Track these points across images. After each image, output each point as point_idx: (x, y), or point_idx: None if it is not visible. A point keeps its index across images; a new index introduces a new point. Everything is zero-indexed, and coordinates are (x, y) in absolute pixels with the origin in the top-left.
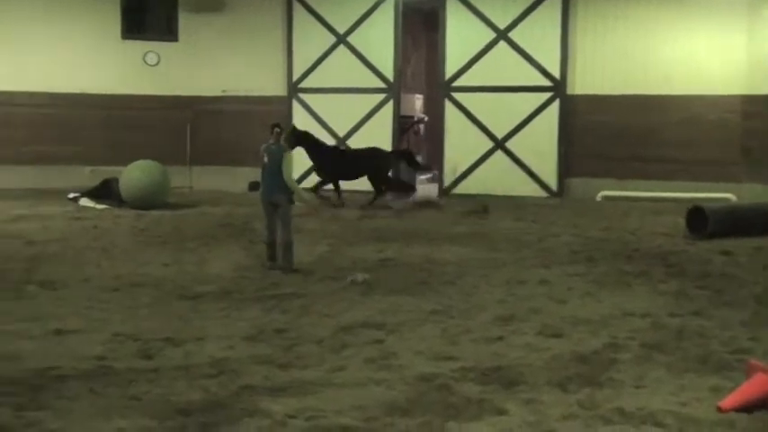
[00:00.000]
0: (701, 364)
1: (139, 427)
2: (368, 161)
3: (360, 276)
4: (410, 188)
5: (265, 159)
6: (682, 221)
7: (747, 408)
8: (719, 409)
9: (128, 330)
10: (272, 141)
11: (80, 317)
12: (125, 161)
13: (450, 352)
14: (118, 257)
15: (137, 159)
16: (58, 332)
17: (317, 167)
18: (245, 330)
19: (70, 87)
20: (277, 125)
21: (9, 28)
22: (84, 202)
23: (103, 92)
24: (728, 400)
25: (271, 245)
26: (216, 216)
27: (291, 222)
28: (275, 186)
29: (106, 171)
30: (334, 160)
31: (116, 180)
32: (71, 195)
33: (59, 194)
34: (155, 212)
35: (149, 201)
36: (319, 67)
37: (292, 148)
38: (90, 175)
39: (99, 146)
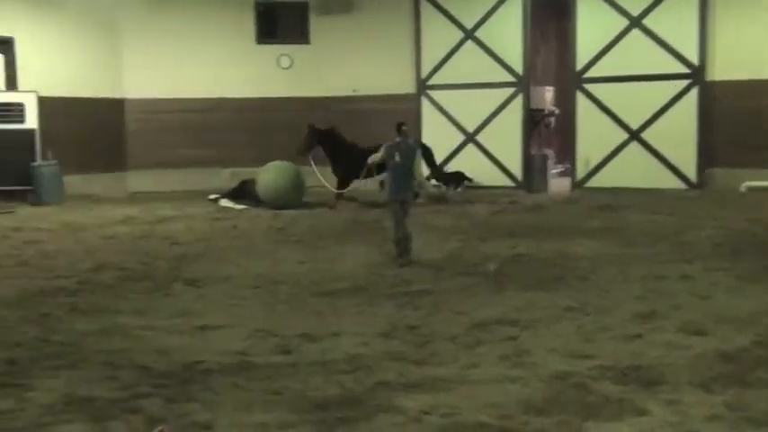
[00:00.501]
0: None
1: (281, 421)
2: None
3: (491, 266)
4: (462, 178)
5: (397, 158)
6: None
7: None
8: None
9: (267, 326)
10: (399, 139)
11: (222, 313)
12: (262, 162)
13: (587, 350)
14: (256, 256)
15: (273, 160)
16: (203, 328)
17: (338, 166)
18: (379, 327)
19: (210, 93)
20: (403, 123)
21: (158, 42)
22: (224, 202)
23: (241, 96)
24: None
25: (399, 242)
26: (349, 214)
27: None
28: (407, 185)
29: (244, 173)
30: (352, 157)
31: (253, 181)
32: (212, 197)
33: (202, 196)
34: (290, 212)
35: (285, 200)
36: (447, 64)
37: (311, 148)
38: (229, 177)
39: (237, 148)
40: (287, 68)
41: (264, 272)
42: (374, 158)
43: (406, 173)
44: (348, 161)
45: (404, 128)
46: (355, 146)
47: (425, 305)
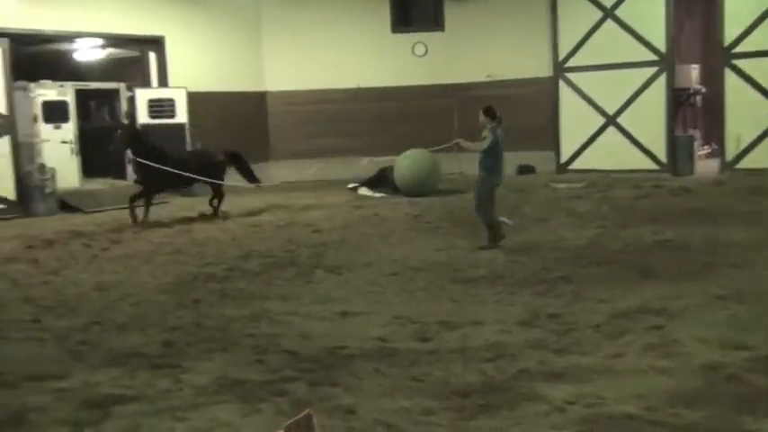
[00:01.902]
0: None
1: (422, 407)
2: (198, 165)
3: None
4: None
5: (501, 144)
6: None
7: None
8: None
9: (406, 313)
10: (494, 124)
11: (363, 299)
12: (398, 151)
13: (741, 340)
14: (395, 243)
15: (409, 148)
16: (344, 314)
17: (147, 175)
18: (520, 315)
19: (347, 83)
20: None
21: (297, 35)
22: (363, 191)
23: (377, 85)
24: None
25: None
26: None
27: None
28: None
29: (381, 161)
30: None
31: (391, 169)
32: (351, 185)
33: (341, 185)
34: (427, 199)
35: (421, 188)
36: (586, 45)
37: (124, 149)
38: (367, 166)
39: (374, 137)
40: (422, 56)
41: (403, 259)
42: (476, 146)
43: (503, 158)
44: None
45: (498, 114)
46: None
47: (565, 293)
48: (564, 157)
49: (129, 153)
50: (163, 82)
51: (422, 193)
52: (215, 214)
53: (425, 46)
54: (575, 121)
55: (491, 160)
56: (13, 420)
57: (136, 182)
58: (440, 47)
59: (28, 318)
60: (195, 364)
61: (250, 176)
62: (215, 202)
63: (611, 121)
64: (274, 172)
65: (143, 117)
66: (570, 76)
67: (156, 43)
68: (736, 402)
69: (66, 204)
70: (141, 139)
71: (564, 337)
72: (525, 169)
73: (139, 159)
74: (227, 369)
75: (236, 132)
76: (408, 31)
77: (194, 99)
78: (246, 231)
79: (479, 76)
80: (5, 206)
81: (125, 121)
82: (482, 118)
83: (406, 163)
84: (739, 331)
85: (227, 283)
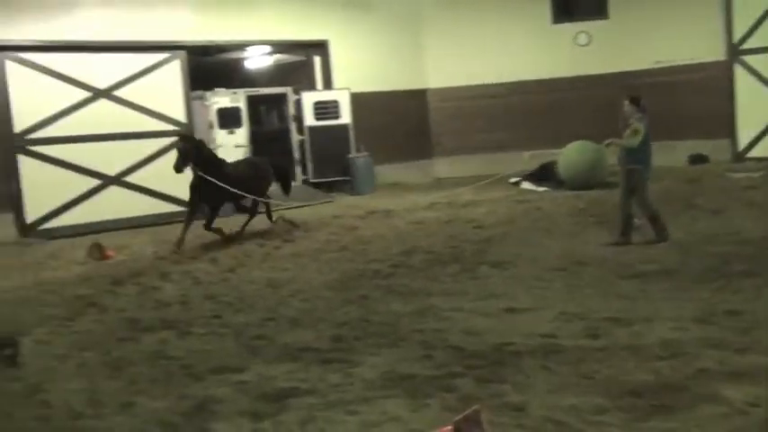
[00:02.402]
0: None
1: (592, 405)
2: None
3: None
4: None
5: (649, 134)
6: None
7: None
8: None
9: (574, 309)
10: (642, 114)
11: (528, 295)
12: (561, 143)
13: None
14: (560, 237)
15: (571, 141)
16: (510, 310)
17: (212, 191)
18: (695, 312)
19: (509, 77)
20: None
21: (457, 31)
22: (526, 185)
23: (538, 77)
24: None
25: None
26: (655, 192)
27: None
28: None
29: (544, 155)
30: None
31: (554, 163)
32: (513, 179)
33: (503, 179)
34: (592, 192)
35: (587, 180)
36: (763, 25)
37: (184, 166)
38: (528, 160)
39: (536, 130)
40: (585, 45)
41: (569, 253)
42: (631, 141)
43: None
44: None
45: (643, 101)
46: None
47: (746, 288)
48: (741, 145)
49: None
50: (327, 84)
51: (587, 186)
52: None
53: (589, 35)
54: (752, 107)
55: (644, 153)
56: (200, 410)
57: (194, 200)
58: (604, 35)
59: (209, 314)
60: (364, 358)
61: (286, 188)
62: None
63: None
64: (436, 168)
65: (309, 119)
66: (746, 58)
67: (321, 47)
68: None
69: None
70: (204, 152)
71: (745, 336)
72: (698, 158)
73: (202, 174)
74: (394, 364)
75: (397, 130)
76: (570, 21)
77: (357, 100)
78: (410, 228)
79: (646, 64)
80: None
81: (182, 134)
82: (628, 107)
83: (572, 155)
84: None
85: (392, 279)
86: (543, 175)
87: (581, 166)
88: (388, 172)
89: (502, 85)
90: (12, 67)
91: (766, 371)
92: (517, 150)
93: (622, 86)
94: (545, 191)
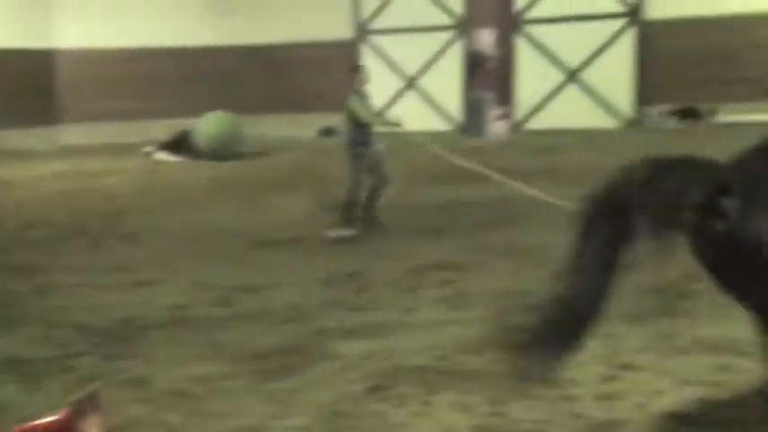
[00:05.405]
0: None
1: (220, 372)
2: None
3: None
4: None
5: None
6: None
7: None
8: None
9: (205, 279)
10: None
11: (159, 268)
12: (199, 113)
13: (522, 289)
14: (195, 209)
15: (212, 110)
16: (139, 283)
17: None
18: (319, 276)
19: (146, 41)
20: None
21: None
22: (161, 155)
23: (174, 44)
24: None
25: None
26: (288, 164)
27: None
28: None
29: (181, 124)
30: None
31: (190, 132)
32: (147, 149)
33: (136, 149)
34: (229, 163)
35: (223, 152)
36: (389, 7)
37: None
38: (165, 129)
39: (173, 99)
40: (225, 16)
41: (202, 224)
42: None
43: None
44: None
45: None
46: None
47: (365, 252)
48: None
49: None
50: None
51: (224, 156)
52: None
53: (228, 5)
54: (376, 85)
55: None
56: None
57: None
58: (243, 6)
59: None
60: None
61: None
62: None
63: (409, 84)
64: (65, 136)
65: None
66: (373, 38)
67: None
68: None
69: None
70: None
71: (361, 295)
72: (327, 131)
73: None
74: (8, 347)
75: (15, 93)
76: None
77: None
78: (31, 200)
79: (279, 38)
80: None
81: None
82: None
83: (208, 126)
84: (520, 282)
85: (9, 255)
86: (180, 145)
87: (217, 137)
88: (6, 137)
89: (138, 50)
90: None
91: (378, 326)
92: (152, 119)
93: (260, 59)
94: (181, 161)
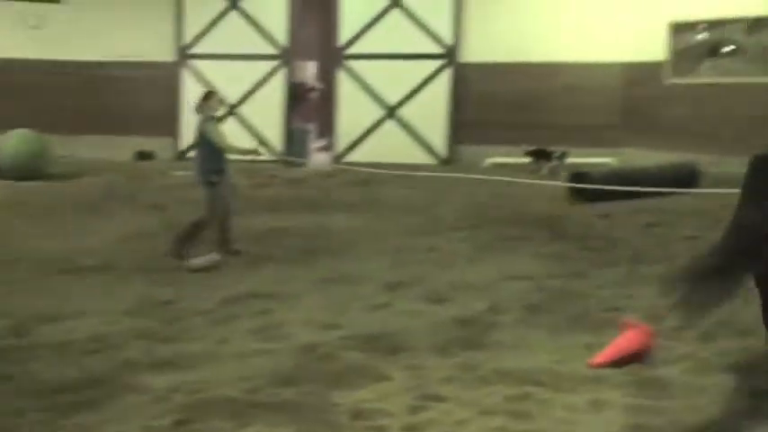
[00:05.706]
0: (577, 324)
1: (11, 409)
2: None
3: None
4: None
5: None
6: (565, 187)
7: (618, 363)
8: (591, 365)
9: (0, 308)
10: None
11: None
12: (3, 130)
13: (337, 320)
14: None
15: (15, 128)
16: None
17: None
18: (129, 304)
19: None
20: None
21: None
22: None
23: None
24: (599, 357)
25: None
26: (99, 186)
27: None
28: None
29: None
30: None
31: None
32: None
33: None
34: (34, 183)
35: (28, 171)
36: (212, 32)
37: None
38: None
39: None
40: (35, 28)
41: (2, 248)
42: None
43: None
44: None
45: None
46: None
47: (178, 281)
48: (183, 145)
49: None
50: None
51: (28, 176)
52: None
53: (40, 18)
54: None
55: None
56: None
57: None
58: (57, 20)
59: None
60: None
61: None
62: None
63: (231, 111)
64: None
65: None
66: (195, 63)
67: None
68: (328, 377)
69: None
70: None
71: (172, 325)
72: (143, 155)
73: None
74: None
75: None
76: (22, 0)
77: None
78: None
79: (99, 55)
80: None
81: None
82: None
83: (11, 143)
84: (336, 313)
85: None
86: None
87: (21, 155)
88: None
89: None
90: None
91: (188, 358)
92: None
93: (74, 76)
94: None
